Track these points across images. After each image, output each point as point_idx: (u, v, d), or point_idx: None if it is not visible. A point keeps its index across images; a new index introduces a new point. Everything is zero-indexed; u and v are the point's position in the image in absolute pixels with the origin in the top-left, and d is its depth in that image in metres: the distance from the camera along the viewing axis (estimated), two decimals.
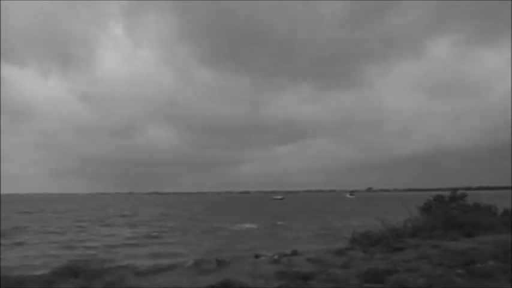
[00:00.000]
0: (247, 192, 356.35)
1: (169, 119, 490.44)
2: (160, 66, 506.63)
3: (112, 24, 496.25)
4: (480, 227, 14.20)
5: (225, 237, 40.13)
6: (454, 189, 17.96)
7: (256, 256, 14.79)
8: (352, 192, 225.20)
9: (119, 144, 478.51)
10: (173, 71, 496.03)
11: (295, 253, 12.40)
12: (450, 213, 15.55)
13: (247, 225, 51.71)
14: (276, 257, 11.62)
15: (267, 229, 48.05)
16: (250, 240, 37.00)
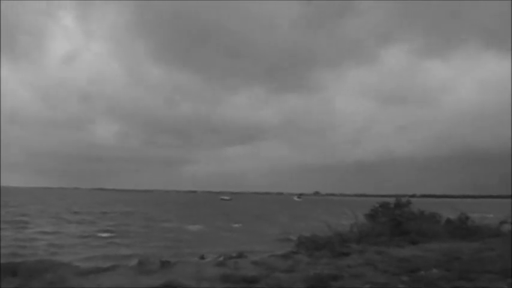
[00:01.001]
0: (194, 192, 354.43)
1: (118, 115, 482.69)
2: (111, 60, 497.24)
3: (62, 14, 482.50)
4: (424, 235, 14.40)
5: (171, 238, 39.62)
6: (400, 196, 18.20)
7: (202, 258, 14.59)
8: (300, 195, 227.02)
9: (66, 138, 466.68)
10: (125, 66, 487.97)
11: (240, 255, 12.28)
12: (395, 220, 15.71)
13: (194, 226, 51.26)
14: (221, 259, 11.48)
15: (214, 230, 47.78)
16: (196, 241, 36.67)
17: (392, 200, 17.83)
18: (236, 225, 55.30)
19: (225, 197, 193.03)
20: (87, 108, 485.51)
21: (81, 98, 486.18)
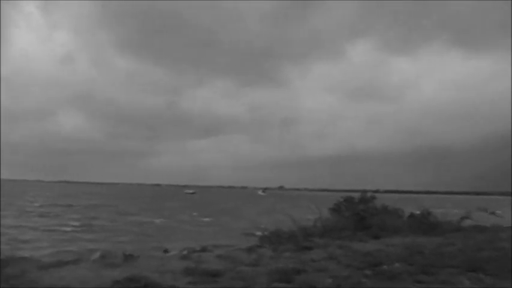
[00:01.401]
0: (159, 185, 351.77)
1: (83, 106, 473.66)
2: (75, 50, 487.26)
3: (25, 2, 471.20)
4: (387, 229, 14.56)
5: (135, 231, 39.22)
6: (364, 191, 18.34)
7: (165, 251, 14.46)
8: (264, 190, 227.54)
9: (28, 129, 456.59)
10: (89, 56, 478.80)
11: (204, 249, 12.23)
12: (359, 214, 15.83)
13: (158, 220, 50.89)
14: (185, 252, 11.40)
15: (178, 224, 47.51)
16: (160, 235, 36.34)
17: (356, 195, 17.95)
18: (200, 219, 55.11)
19: (190, 191, 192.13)
20: (50, 100, 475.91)
21: (44, 89, 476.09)
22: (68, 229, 39.99)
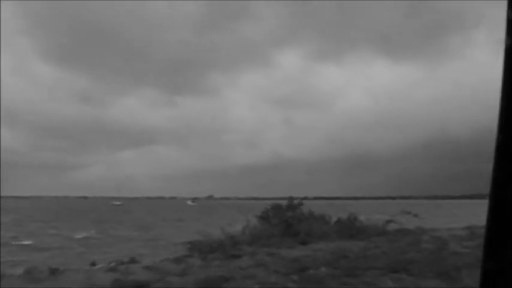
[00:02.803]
0: (86, 197, 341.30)
1: (4, 117, 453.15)
2: None
3: None
4: (314, 235, 14.78)
5: (59, 245, 37.88)
6: (291, 198, 18.52)
7: (92, 264, 14.03)
8: (194, 200, 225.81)
9: None
10: (10, 64, 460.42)
11: (133, 261, 12.00)
12: (286, 221, 15.98)
13: (84, 233, 49.45)
14: (112, 264, 11.15)
15: (105, 237, 46.36)
16: (87, 248, 35.34)
17: (284, 202, 18.09)
18: (127, 231, 53.98)
19: (117, 202, 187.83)
20: None
21: None
22: None
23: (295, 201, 18.01)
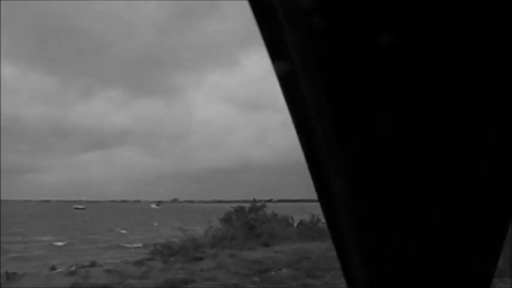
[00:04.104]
0: (47, 201, 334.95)
1: None
2: None
3: None
4: (277, 237, 14.83)
5: (19, 249, 37.09)
6: (254, 201, 18.56)
7: (52, 268, 13.78)
8: (158, 203, 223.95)
9: None
10: None
11: (93, 264, 11.85)
12: (249, 223, 15.99)
13: (45, 237, 48.50)
14: (72, 268, 11.03)
15: (67, 241, 45.60)
16: (48, 252, 34.71)
17: (248, 205, 18.12)
18: (90, 234, 53.24)
19: (79, 206, 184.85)
20: None
21: None
22: None
23: (258, 204, 18.07)
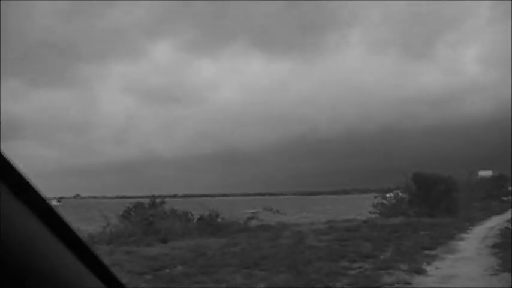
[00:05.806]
0: None
1: None
2: None
3: None
4: (176, 233, 14.70)
5: None
6: (162, 197, 18.36)
7: None
8: (59, 199, 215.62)
9: None
10: None
11: None
12: (148, 219, 15.77)
13: None
14: None
15: None
16: None
17: (147, 201, 17.90)
18: None
19: None
20: None
21: None
22: None
23: (158, 200, 17.90)
